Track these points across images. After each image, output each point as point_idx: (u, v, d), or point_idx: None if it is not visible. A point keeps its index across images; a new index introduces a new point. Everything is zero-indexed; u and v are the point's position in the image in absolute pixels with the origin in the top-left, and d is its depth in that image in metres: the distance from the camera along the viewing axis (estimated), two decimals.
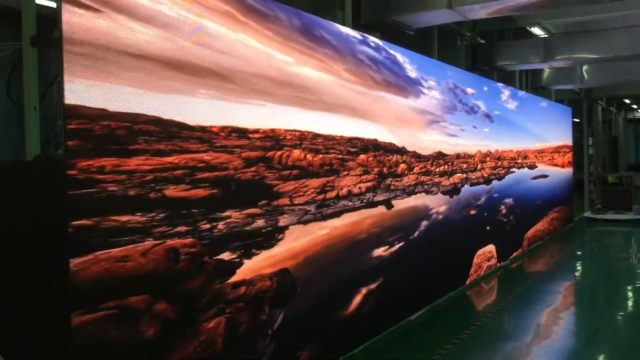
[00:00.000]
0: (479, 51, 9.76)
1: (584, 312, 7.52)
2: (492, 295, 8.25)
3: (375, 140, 5.81)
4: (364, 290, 5.53)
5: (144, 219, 3.35)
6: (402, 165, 6.34)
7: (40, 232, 2.89)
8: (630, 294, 8.29)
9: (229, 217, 3.96)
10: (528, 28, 9.80)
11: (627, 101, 23.31)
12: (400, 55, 6.37)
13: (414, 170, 6.61)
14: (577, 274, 10.16)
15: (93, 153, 3.06)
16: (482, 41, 9.81)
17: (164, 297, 3.48)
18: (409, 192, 6.47)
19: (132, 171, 3.27)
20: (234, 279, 4.00)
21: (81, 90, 2.99)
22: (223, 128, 3.92)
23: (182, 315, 3.59)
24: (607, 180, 17.62)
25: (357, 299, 5.47)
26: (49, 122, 3.30)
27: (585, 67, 12.07)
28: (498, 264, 9.20)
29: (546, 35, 9.85)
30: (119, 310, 3.21)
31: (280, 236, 4.45)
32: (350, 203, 5.33)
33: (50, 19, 3.15)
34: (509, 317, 7.03)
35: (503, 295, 8.03)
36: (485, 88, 9.13)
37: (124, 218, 3.23)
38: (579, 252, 12.34)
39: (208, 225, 3.79)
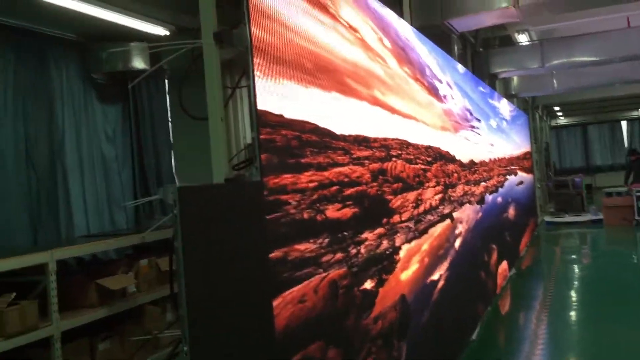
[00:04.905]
0: (475, 58, 9.68)
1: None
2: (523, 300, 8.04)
3: (439, 148, 5.42)
4: (429, 313, 5.06)
5: (315, 246, 2.76)
6: (455, 175, 5.99)
7: (240, 270, 2.24)
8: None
9: (366, 239, 3.42)
10: (516, 35, 9.87)
11: (557, 109, 24.35)
12: (440, 57, 6.05)
13: (461, 180, 6.27)
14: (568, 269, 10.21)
15: (278, 169, 2.46)
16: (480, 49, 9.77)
17: (332, 342, 2.88)
18: (461, 202, 6.12)
19: (303, 189, 2.68)
20: (374, 312, 3.44)
21: (268, 94, 2.40)
22: (356, 137, 3.39)
23: None
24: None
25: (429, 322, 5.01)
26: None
27: (554, 73, 12.34)
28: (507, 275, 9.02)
29: (537, 41, 9.95)
30: None
31: (398, 257, 3.94)
32: (432, 217, 4.89)
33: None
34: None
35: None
36: (487, 94, 9.02)
37: (303, 247, 2.63)
38: (560, 251, 12.46)
39: (355, 251, 3.24)
